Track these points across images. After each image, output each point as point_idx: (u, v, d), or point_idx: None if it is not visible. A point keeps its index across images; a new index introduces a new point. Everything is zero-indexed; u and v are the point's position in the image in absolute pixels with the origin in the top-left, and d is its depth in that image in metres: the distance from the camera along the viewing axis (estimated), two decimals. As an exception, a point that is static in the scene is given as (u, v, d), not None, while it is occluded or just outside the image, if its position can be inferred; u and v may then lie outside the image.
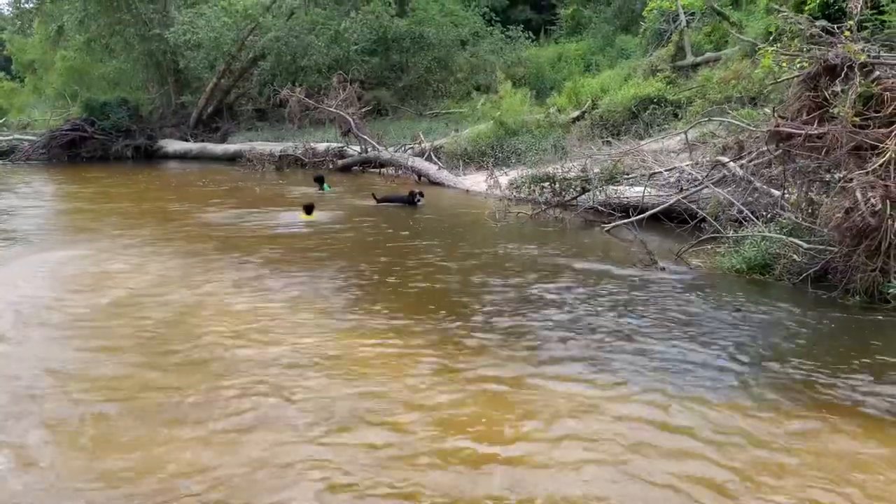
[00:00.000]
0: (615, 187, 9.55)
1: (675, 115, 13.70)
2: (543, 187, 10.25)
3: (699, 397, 4.02)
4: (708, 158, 8.88)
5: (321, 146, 18.60)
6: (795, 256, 6.31)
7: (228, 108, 25.47)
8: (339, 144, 18.30)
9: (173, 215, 11.14)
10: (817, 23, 7.42)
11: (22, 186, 15.80)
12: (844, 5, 9.24)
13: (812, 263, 6.16)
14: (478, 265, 7.31)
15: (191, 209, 11.65)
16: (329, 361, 4.64)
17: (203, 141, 23.50)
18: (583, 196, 9.89)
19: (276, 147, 19.27)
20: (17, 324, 5.50)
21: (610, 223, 8.86)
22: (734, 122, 8.71)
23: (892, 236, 5.45)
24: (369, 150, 17.05)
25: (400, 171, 16.01)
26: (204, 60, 23.21)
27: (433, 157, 15.94)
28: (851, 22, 6.61)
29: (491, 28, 24.75)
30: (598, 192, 9.58)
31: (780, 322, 5.38)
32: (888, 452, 3.42)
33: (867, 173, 5.68)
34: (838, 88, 6.08)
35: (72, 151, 22.10)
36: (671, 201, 8.52)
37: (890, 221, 5.44)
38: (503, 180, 11.14)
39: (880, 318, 5.39)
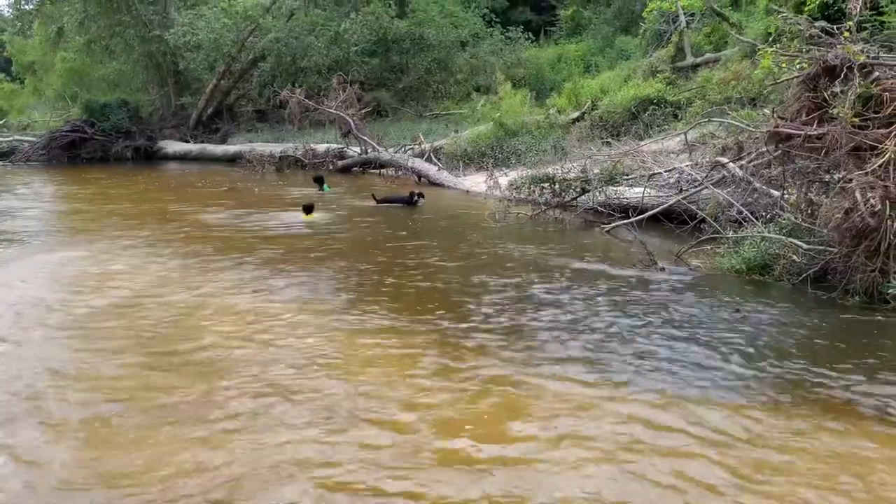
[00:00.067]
0: (615, 188, 9.56)
1: (675, 116, 13.71)
2: (543, 188, 10.26)
3: (699, 397, 4.02)
4: (707, 159, 8.88)
5: (321, 147, 18.61)
6: (795, 257, 6.31)
7: (228, 109, 25.48)
8: (339, 145, 18.31)
9: (173, 216, 11.14)
10: (817, 24, 7.43)
11: (22, 187, 15.80)
12: (844, 6, 9.26)
13: (811, 264, 6.16)
14: (477, 265, 7.32)
15: (191, 210, 11.65)
16: (329, 361, 4.64)
17: (203, 142, 23.51)
18: (582, 197, 9.89)
19: (276, 148, 19.27)
20: (18, 324, 5.50)
21: (610, 224, 8.87)
22: (734, 122, 8.72)
23: (892, 237, 5.45)
24: (369, 151, 17.06)
25: (400, 172, 16.02)
26: (204, 62, 23.22)
27: (433, 158, 15.95)
28: (851, 23, 6.61)
29: (491, 29, 24.77)
30: (597, 193, 9.59)
31: (779, 322, 5.38)
32: (886, 453, 3.42)
33: (866, 174, 5.69)
34: (838, 89, 6.08)
35: (72, 153, 22.10)
36: (671, 202, 8.53)
37: (889, 222, 5.44)
38: (503, 181, 11.15)
39: (880, 318, 5.39)
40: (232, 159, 20.52)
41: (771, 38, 9.27)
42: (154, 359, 4.73)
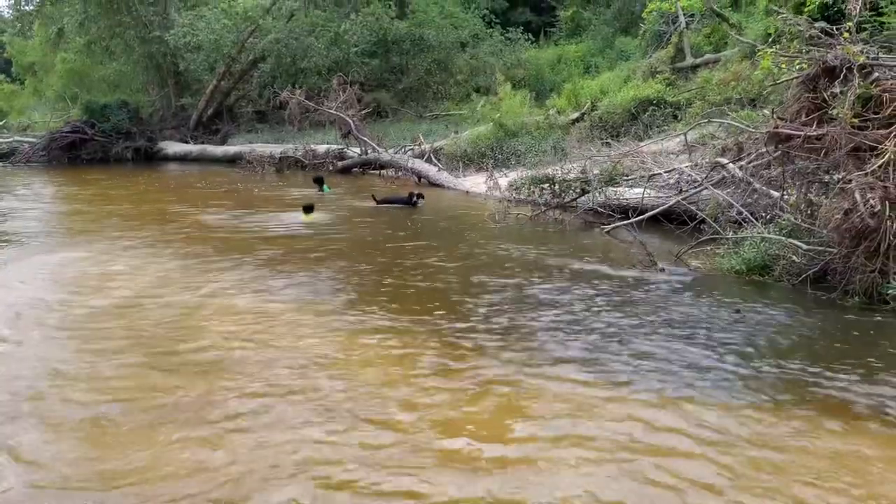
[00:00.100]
0: (615, 189, 9.56)
1: (675, 117, 13.71)
2: (543, 189, 10.26)
3: (698, 398, 4.02)
4: (707, 160, 8.89)
5: (321, 148, 18.61)
6: (795, 257, 6.31)
7: (228, 110, 25.48)
8: (339, 146, 18.31)
9: (173, 217, 11.15)
10: (816, 24, 7.43)
11: (22, 188, 15.80)
12: (843, 7, 9.27)
13: (811, 264, 6.17)
14: (477, 266, 7.32)
15: (191, 210, 11.65)
16: (329, 361, 4.65)
17: (203, 143, 23.51)
18: (582, 197, 9.90)
19: (276, 149, 19.27)
20: (18, 325, 5.50)
21: (609, 224, 8.87)
22: (733, 123, 8.73)
23: (891, 237, 5.46)
24: (369, 151, 17.07)
25: (400, 173, 16.02)
26: (204, 62, 23.23)
27: (433, 158, 15.96)
28: (850, 23, 6.62)
29: (491, 30, 24.78)
30: (597, 194, 9.59)
31: (779, 323, 5.39)
32: (885, 452, 3.42)
33: (866, 174, 5.69)
34: (837, 90, 6.09)
35: (72, 153, 22.09)
36: (671, 203, 8.53)
37: (889, 223, 5.45)
38: (503, 182, 11.15)
39: (879, 318, 5.40)
40: (232, 160, 20.52)
41: (771, 39, 9.27)
42: (154, 359, 4.73)
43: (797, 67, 6.61)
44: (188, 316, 5.68)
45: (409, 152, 16.78)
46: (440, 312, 5.67)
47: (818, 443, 3.51)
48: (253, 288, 6.50)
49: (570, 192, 10.03)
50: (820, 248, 6.16)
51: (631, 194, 9.36)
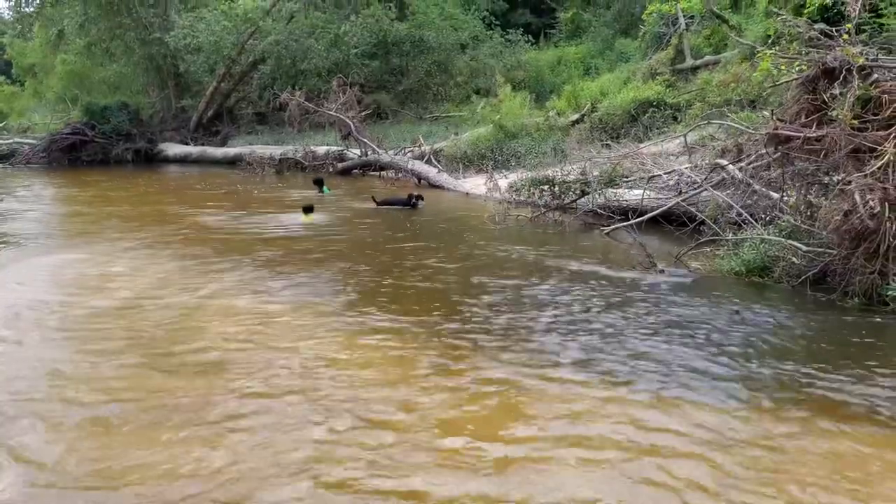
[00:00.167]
0: (614, 190, 9.56)
1: (675, 119, 13.72)
2: (543, 190, 10.26)
3: (696, 399, 4.02)
4: (707, 161, 8.89)
5: (321, 149, 18.62)
6: (794, 259, 6.31)
7: (228, 111, 25.49)
8: (339, 148, 18.31)
9: (173, 218, 11.15)
10: (816, 26, 7.43)
11: (22, 190, 15.80)
12: (843, 9, 9.27)
13: (811, 266, 6.17)
14: (477, 267, 7.32)
15: (190, 212, 11.66)
16: (329, 362, 4.65)
17: (203, 144, 23.53)
18: (582, 199, 9.90)
19: (276, 150, 19.29)
20: (17, 326, 5.50)
21: (609, 226, 8.87)
22: (733, 124, 8.73)
23: (891, 239, 5.46)
24: (369, 153, 17.08)
25: (400, 175, 16.03)
26: (204, 64, 23.25)
27: (433, 160, 15.96)
28: (850, 25, 6.62)
29: (491, 32, 24.79)
30: (597, 195, 9.59)
31: (778, 324, 5.39)
32: (883, 454, 3.42)
33: (866, 176, 5.69)
34: (837, 91, 6.09)
35: (72, 155, 22.09)
36: (670, 204, 8.53)
37: (888, 224, 5.44)
38: (503, 183, 11.16)
39: (879, 320, 5.39)
40: (232, 162, 20.54)
41: (770, 41, 9.31)
42: (154, 359, 4.73)
43: (797, 69, 6.61)
44: (188, 317, 5.68)
45: (409, 154, 16.78)
46: (440, 313, 5.67)
47: (817, 444, 3.51)
48: (253, 289, 6.51)
49: (570, 193, 10.03)
50: (819, 250, 6.16)
51: (630, 196, 9.37)
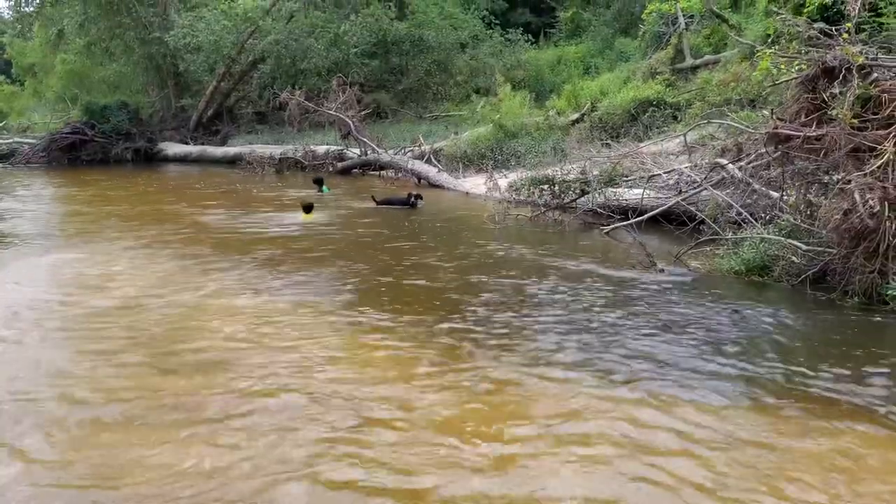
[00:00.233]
0: (614, 189, 9.56)
1: (674, 118, 13.71)
2: (543, 189, 10.26)
3: (695, 399, 4.02)
4: (707, 160, 8.88)
5: (321, 149, 18.61)
6: (794, 258, 6.31)
7: (228, 111, 25.49)
8: (339, 147, 18.31)
9: (172, 217, 11.14)
10: (815, 25, 7.43)
11: (21, 189, 15.80)
12: (843, 8, 9.27)
13: (811, 265, 6.16)
14: (477, 266, 7.32)
15: (190, 211, 11.66)
16: (328, 361, 4.64)
17: (203, 144, 23.53)
18: (582, 198, 9.90)
19: (275, 150, 19.29)
20: (17, 325, 5.50)
21: (609, 225, 8.86)
22: (733, 124, 8.73)
23: (891, 238, 5.45)
24: (369, 152, 17.07)
25: (400, 174, 16.03)
26: (204, 63, 23.24)
27: (433, 159, 15.95)
28: (849, 24, 6.61)
29: (490, 31, 24.79)
30: (597, 195, 9.59)
31: (778, 323, 5.38)
32: (882, 454, 3.42)
33: (865, 175, 5.69)
34: (836, 90, 6.09)
35: (72, 154, 22.10)
36: (670, 203, 8.53)
37: (888, 223, 5.44)
38: (502, 183, 11.15)
39: (878, 319, 5.39)
40: (232, 161, 20.54)
41: (770, 40, 9.28)
42: (154, 359, 4.73)
43: (796, 68, 6.60)
44: (188, 316, 5.68)
45: (409, 153, 16.78)
46: (439, 312, 5.67)
47: (815, 443, 3.51)
48: (253, 288, 6.50)
49: (570, 192, 10.03)
50: (819, 249, 6.15)
51: (630, 195, 9.36)
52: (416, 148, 16.96)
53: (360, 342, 5.04)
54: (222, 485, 3.18)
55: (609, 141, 12.87)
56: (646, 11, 18.83)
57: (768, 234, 6.74)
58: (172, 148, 23.34)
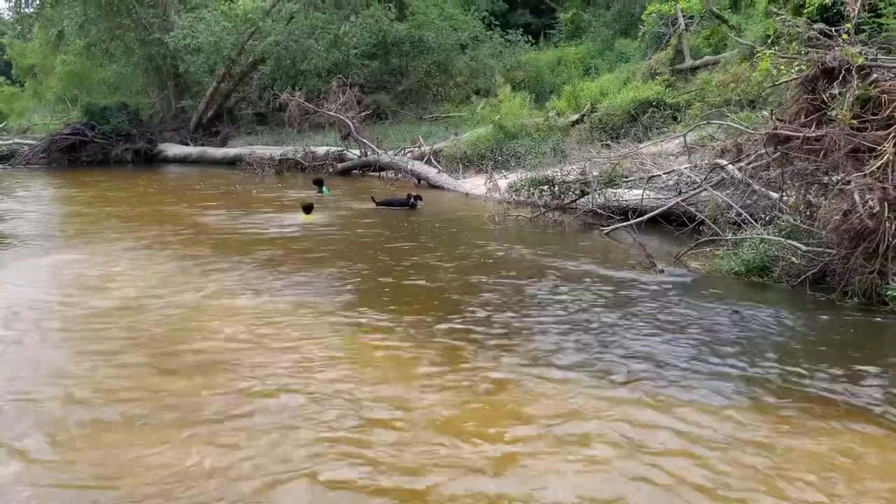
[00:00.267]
0: (614, 190, 9.56)
1: (674, 119, 13.73)
2: (543, 190, 10.26)
3: (695, 399, 4.02)
4: (706, 161, 8.88)
5: (321, 150, 18.63)
6: (794, 259, 6.31)
7: (228, 112, 25.50)
8: (339, 148, 18.32)
9: (172, 218, 11.15)
10: (815, 26, 7.43)
11: (21, 190, 15.81)
12: (842, 9, 9.28)
13: (810, 266, 6.17)
14: (476, 267, 7.32)
15: (190, 212, 11.67)
16: (328, 362, 4.65)
17: (203, 145, 23.55)
18: (582, 199, 9.90)
19: (275, 151, 19.31)
20: (17, 326, 5.50)
21: (609, 226, 8.86)
22: (733, 125, 8.72)
23: (890, 238, 5.45)
24: (369, 153, 17.08)
25: (400, 175, 16.04)
26: (204, 65, 23.26)
27: (433, 160, 15.97)
28: (849, 25, 6.62)
29: (490, 32, 24.80)
30: (597, 195, 9.59)
31: (778, 324, 5.38)
32: (881, 454, 3.42)
33: (865, 176, 5.69)
34: (836, 91, 6.09)
35: (72, 155, 22.13)
36: (670, 204, 8.52)
37: (888, 224, 5.44)
38: (502, 183, 11.16)
39: (878, 319, 5.39)
40: (232, 162, 20.56)
41: (770, 41, 9.31)
42: (153, 360, 4.73)
43: (796, 69, 6.61)
44: (188, 317, 5.68)
45: (409, 154, 16.79)
46: (439, 312, 5.67)
47: (814, 443, 3.51)
48: (253, 288, 6.50)
49: (570, 193, 10.03)
50: (819, 250, 6.15)
51: (630, 196, 9.37)
52: (416, 149, 16.96)
53: (361, 342, 5.05)
54: (222, 485, 3.19)
55: (609, 142, 12.89)
56: (646, 12, 18.85)
57: (768, 234, 6.74)
58: (172, 149, 23.36)
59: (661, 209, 8.51)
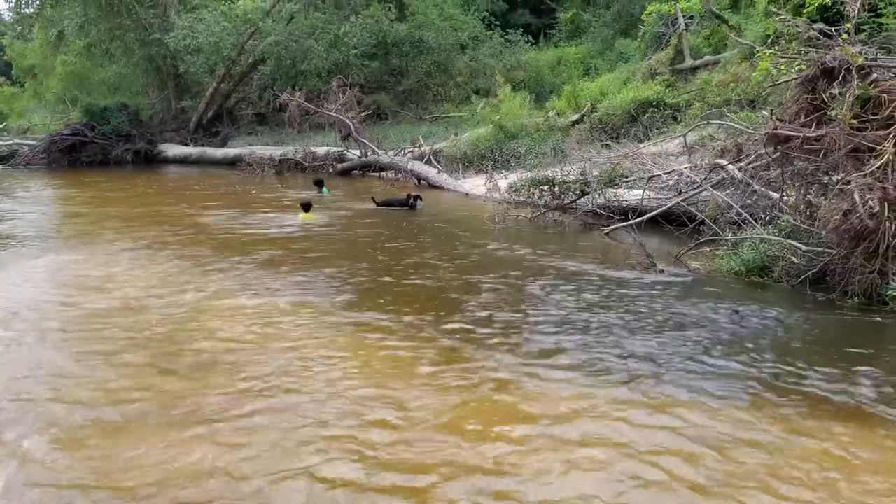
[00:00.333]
0: (614, 190, 9.56)
1: (674, 119, 13.73)
2: (543, 190, 10.26)
3: (694, 399, 4.02)
4: (707, 161, 8.89)
5: (321, 150, 18.63)
6: (794, 259, 6.31)
7: (228, 112, 25.51)
8: (339, 148, 18.33)
9: (172, 219, 11.14)
10: (815, 26, 7.43)
11: (21, 191, 15.81)
12: (842, 8, 9.27)
13: (810, 265, 6.16)
14: (476, 267, 7.32)
15: (190, 212, 11.67)
16: (328, 361, 4.64)
17: (203, 145, 23.55)
18: (582, 199, 9.90)
19: (276, 151, 19.31)
20: (17, 326, 5.49)
21: (609, 226, 8.86)
22: (733, 124, 8.72)
23: (890, 238, 5.45)
24: (369, 153, 17.08)
25: (400, 175, 16.03)
26: (204, 65, 23.26)
27: (433, 160, 15.97)
28: (849, 25, 6.62)
29: (490, 32, 24.82)
30: (597, 195, 9.59)
31: (778, 324, 5.38)
32: (881, 455, 3.42)
33: (865, 175, 5.69)
34: (836, 91, 6.08)
35: (72, 156, 22.13)
36: (670, 204, 8.52)
37: (888, 223, 5.44)
38: (502, 183, 11.16)
39: (878, 319, 5.39)
40: (232, 162, 20.56)
41: (770, 41, 9.31)
42: (153, 360, 4.73)
43: (796, 69, 6.60)
44: (188, 317, 5.68)
45: (409, 154, 16.79)
46: (439, 312, 5.67)
47: (815, 443, 3.51)
48: (252, 289, 6.50)
49: (570, 193, 10.03)
50: (819, 250, 6.15)
51: (630, 196, 9.37)
52: (416, 149, 16.97)
53: (361, 342, 5.04)
54: (223, 484, 3.18)
55: (609, 142, 12.89)
56: (646, 12, 18.86)
57: (768, 234, 6.74)
58: (172, 149, 23.36)
59: (661, 209, 8.51)
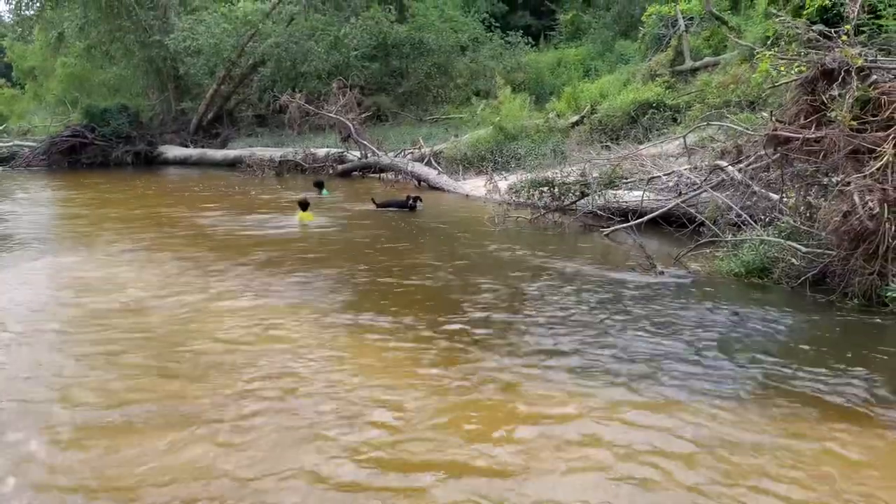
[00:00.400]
0: (614, 192, 9.57)
1: (674, 120, 13.75)
2: (542, 192, 10.27)
3: (694, 401, 4.01)
4: (706, 163, 8.89)
5: (321, 151, 18.64)
6: (794, 260, 6.31)
7: (228, 114, 25.53)
8: (339, 150, 18.34)
9: (172, 220, 11.15)
10: (815, 27, 7.44)
11: (21, 192, 15.81)
12: (842, 10, 9.28)
13: (810, 267, 6.17)
14: (476, 268, 7.32)
15: (189, 214, 11.67)
16: (328, 363, 4.64)
17: (203, 147, 23.56)
18: (582, 200, 9.90)
19: (276, 152, 19.32)
20: (16, 328, 5.49)
21: (609, 227, 8.86)
22: (733, 126, 8.73)
23: (890, 240, 5.45)
24: (369, 155, 17.09)
25: (400, 177, 16.05)
26: (204, 67, 23.28)
27: (433, 162, 15.99)
28: (849, 26, 6.62)
29: (490, 34, 24.85)
30: (597, 197, 9.59)
31: (777, 325, 5.38)
32: (880, 456, 3.42)
33: (865, 177, 5.69)
34: (836, 92, 6.09)
35: (72, 158, 22.14)
36: (670, 205, 8.53)
37: (887, 225, 5.44)
38: (502, 185, 11.18)
39: (878, 321, 5.39)
40: (232, 164, 20.57)
41: (769, 42, 9.31)
42: (153, 361, 4.72)
43: (796, 70, 6.61)
44: (187, 318, 5.68)
45: (409, 156, 16.81)
46: (439, 313, 5.67)
47: (815, 444, 3.51)
48: (252, 290, 6.50)
49: (570, 195, 10.04)
50: (819, 251, 6.16)
51: (630, 197, 9.37)
52: (417, 150, 16.99)
53: (361, 343, 5.05)
54: (223, 484, 3.18)
55: (609, 143, 12.91)
56: (645, 14, 18.90)
57: (768, 236, 6.74)
58: (172, 151, 23.37)
59: (661, 210, 8.52)
